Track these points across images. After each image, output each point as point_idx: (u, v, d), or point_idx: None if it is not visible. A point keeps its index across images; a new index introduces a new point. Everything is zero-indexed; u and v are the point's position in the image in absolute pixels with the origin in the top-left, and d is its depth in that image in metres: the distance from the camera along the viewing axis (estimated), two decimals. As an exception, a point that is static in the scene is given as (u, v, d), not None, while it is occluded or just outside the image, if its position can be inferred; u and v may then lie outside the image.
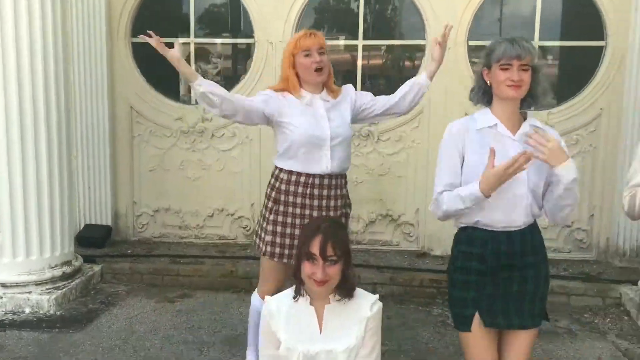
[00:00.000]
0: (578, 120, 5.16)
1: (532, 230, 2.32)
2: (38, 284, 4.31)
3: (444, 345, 3.86)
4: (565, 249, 5.29)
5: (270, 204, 3.01)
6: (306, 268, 2.03)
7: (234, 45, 5.97)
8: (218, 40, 5.69)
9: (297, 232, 2.87)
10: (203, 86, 2.89)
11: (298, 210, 2.96)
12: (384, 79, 5.81)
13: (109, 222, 5.58)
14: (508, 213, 2.25)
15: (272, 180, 3.06)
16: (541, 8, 5.13)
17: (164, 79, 5.59)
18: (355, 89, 3.30)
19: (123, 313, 4.31)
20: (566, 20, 5.41)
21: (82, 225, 5.54)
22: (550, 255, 5.34)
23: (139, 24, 5.48)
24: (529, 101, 2.31)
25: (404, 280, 4.79)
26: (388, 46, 5.69)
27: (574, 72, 5.47)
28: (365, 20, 5.37)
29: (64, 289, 4.38)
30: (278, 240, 2.99)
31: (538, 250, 2.34)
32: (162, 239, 5.66)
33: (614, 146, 5.12)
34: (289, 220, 2.97)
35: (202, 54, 5.97)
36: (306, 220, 2.90)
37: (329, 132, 2.95)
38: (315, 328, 2.10)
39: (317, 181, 2.96)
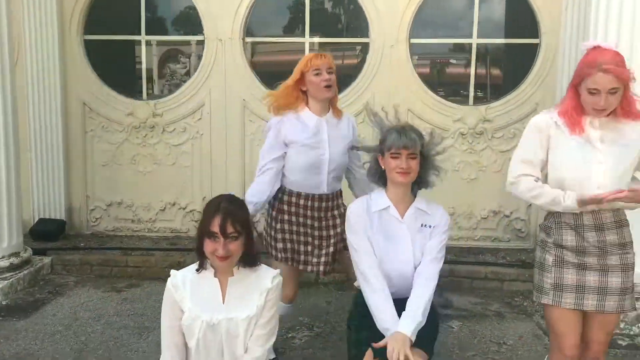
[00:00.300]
0: (515, 114, 5.39)
1: None
2: (-15, 274, 4.41)
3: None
4: (505, 238, 5.52)
5: (274, 214, 3.21)
6: (208, 245, 2.16)
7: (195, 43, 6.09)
8: (167, 38, 5.79)
9: (302, 238, 3.18)
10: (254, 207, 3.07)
11: (302, 220, 3.17)
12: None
13: (63, 217, 5.66)
14: None
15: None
16: (479, 7, 5.36)
17: (115, 75, 5.71)
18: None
19: (69, 302, 4.42)
20: (504, 19, 5.63)
21: (36, 220, 5.62)
22: (490, 244, 5.62)
23: (91, 22, 5.61)
24: (419, 184, 2.62)
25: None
26: (336, 44, 5.87)
27: (512, 68, 5.71)
28: (311, 18, 5.52)
29: (11, 279, 4.48)
30: (289, 246, 3.19)
31: None
32: (116, 232, 5.76)
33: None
34: (294, 228, 3.18)
35: (173, 54, 6.11)
36: (309, 230, 3.17)
37: (328, 157, 3.14)
38: (218, 299, 2.24)
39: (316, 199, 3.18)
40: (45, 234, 5.47)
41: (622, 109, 2.38)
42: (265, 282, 2.27)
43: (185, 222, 5.74)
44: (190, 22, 5.66)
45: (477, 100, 5.53)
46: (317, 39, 5.60)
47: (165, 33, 5.73)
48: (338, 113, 3.24)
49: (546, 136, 2.45)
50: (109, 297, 4.55)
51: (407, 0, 5.29)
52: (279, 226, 3.19)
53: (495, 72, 5.83)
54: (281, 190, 3.20)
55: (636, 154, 2.42)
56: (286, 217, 3.18)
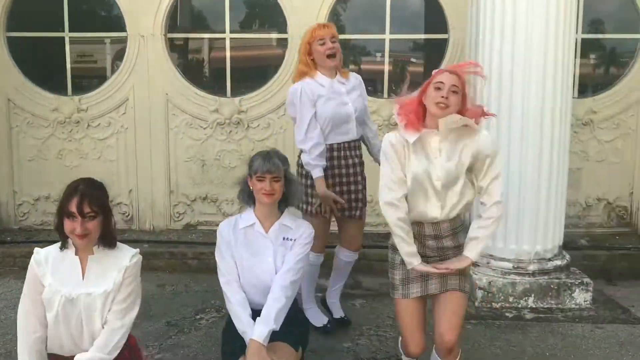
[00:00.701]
0: (426, 106, 5.68)
1: None
2: None
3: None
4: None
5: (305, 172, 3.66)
6: (67, 225, 2.34)
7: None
8: (90, 35, 5.90)
9: (337, 188, 3.67)
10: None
11: (336, 171, 3.66)
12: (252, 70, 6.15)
13: (-10, 212, 5.76)
14: None
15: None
16: (391, 4, 5.63)
17: (40, 71, 5.81)
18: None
19: (-13, 292, 4.55)
20: (415, 14, 5.92)
21: (-37, 215, 5.70)
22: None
23: (14, 19, 5.69)
24: (286, 203, 2.93)
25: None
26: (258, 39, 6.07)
27: (425, 63, 6.00)
28: (231, 14, 5.71)
29: None
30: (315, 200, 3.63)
31: None
32: (44, 226, 5.86)
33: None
34: (329, 181, 3.62)
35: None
36: (344, 179, 3.68)
37: (351, 105, 3.65)
38: (78, 275, 2.41)
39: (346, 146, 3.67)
40: (-28, 228, 5.55)
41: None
42: (124, 260, 2.45)
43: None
44: (112, 19, 5.79)
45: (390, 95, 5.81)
46: (237, 35, 5.79)
47: (88, 30, 5.84)
48: (345, 74, 3.73)
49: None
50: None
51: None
52: (310, 181, 3.63)
53: (410, 67, 6.11)
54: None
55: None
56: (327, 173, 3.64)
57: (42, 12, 5.84)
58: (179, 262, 5.23)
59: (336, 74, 3.66)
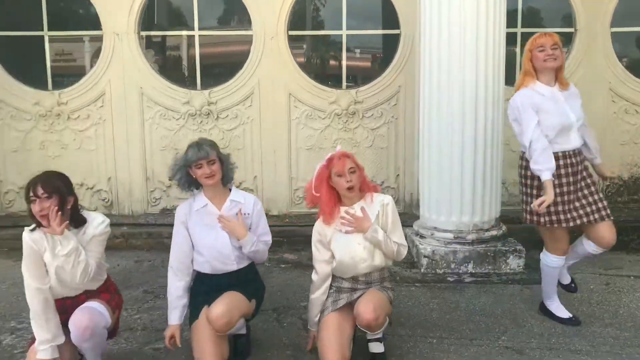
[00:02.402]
0: (382, 96, 6.20)
1: None
2: None
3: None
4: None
5: (535, 182, 3.65)
6: (33, 208, 2.88)
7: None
8: (68, 33, 6.32)
9: (565, 198, 3.61)
10: None
11: (564, 180, 3.61)
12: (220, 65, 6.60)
13: (-23, 200, 6.16)
14: None
15: (520, 162, 3.76)
16: (347, 1, 6.13)
17: (21, 67, 6.22)
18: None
19: (-21, 270, 4.98)
20: (369, 11, 6.41)
21: (-49, 204, 6.09)
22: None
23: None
24: (224, 181, 3.35)
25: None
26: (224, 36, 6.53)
27: (381, 56, 6.50)
28: (200, 13, 6.16)
29: None
30: (552, 209, 3.61)
31: None
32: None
33: (412, 116, 6.18)
34: (556, 190, 3.59)
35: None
36: (571, 188, 3.61)
37: (572, 114, 3.61)
38: (59, 249, 2.92)
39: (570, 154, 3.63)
40: (-40, 215, 5.95)
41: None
42: (91, 229, 3.02)
43: (93, 201, 6.31)
44: (87, 17, 6.22)
45: (349, 85, 6.31)
46: (205, 32, 6.25)
47: (66, 28, 6.26)
48: (565, 84, 3.69)
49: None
50: (17, 265, 5.07)
51: (283, -2, 6.02)
52: (533, 190, 3.66)
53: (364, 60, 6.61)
54: (523, 155, 3.70)
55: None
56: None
57: (22, 11, 6.24)
58: (155, 241, 5.70)
59: (555, 82, 3.66)
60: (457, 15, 4.72)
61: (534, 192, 3.67)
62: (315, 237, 3.36)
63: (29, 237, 2.96)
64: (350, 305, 3.32)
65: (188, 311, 3.37)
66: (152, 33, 6.28)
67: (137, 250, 5.58)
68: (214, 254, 3.31)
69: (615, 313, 4.04)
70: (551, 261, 3.84)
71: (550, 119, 3.54)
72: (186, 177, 3.32)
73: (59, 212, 2.86)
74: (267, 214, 6.29)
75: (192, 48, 6.27)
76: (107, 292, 3.19)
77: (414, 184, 6.18)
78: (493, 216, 5.06)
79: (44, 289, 2.95)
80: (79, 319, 2.90)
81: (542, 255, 3.92)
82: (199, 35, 6.20)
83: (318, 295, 3.35)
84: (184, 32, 6.30)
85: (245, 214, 3.37)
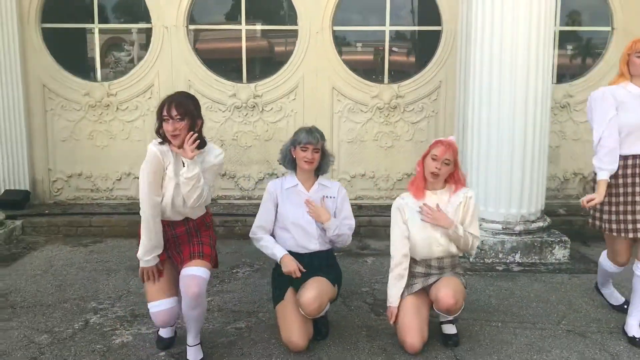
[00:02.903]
0: (423, 90, 6.37)
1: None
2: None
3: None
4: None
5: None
6: (165, 127, 2.94)
7: (145, 31, 6.74)
8: (116, 26, 6.48)
9: (629, 208, 3.46)
10: None
11: (630, 190, 3.47)
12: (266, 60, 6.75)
13: (27, 187, 6.30)
14: None
15: None
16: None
17: (72, 59, 6.37)
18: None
19: (43, 255, 5.13)
20: (412, 8, 6.57)
21: (2, 191, 6.23)
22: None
23: (48, 10, 6.23)
24: (320, 170, 3.58)
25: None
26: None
27: (422, 51, 6.66)
28: (246, 7, 6.31)
29: (-13, 238, 5.15)
30: (614, 217, 3.52)
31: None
32: (77, 201, 6.44)
33: (451, 111, 6.34)
34: (620, 199, 3.49)
35: (116, 42, 6.72)
36: (637, 198, 3.44)
37: None
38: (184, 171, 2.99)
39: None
40: (12, 203, 6.09)
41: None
42: (210, 158, 3.13)
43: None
44: (136, 11, 6.37)
45: (391, 79, 6.46)
46: (251, 27, 6.39)
47: (114, 21, 6.40)
48: None
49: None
50: (78, 250, 5.28)
51: (329, -6, 6.17)
52: (608, 199, 3.50)
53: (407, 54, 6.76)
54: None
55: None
56: (614, 190, 3.50)
57: (73, 4, 6.39)
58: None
59: None
60: (510, 13, 4.86)
61: (605, 198, 3.52)
62: (395, 205, 3.50)
63: (156, 148, 3.01)
64: (423, 290, 3.48)
65: (272, 292, 3.53)
66: (200, 27, 6.42)
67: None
68: (299, 231, 3.50)
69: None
70: (609, 266, 3.85)
71: (629, 117, 3.44)
72: (288, 155, 3.56)
73: (195, 137, 2.95)
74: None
75: (239, 41, 6.40)
76: (206, 227, 3.29)
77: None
78: (539, 208, 5.23)
79: (157, 200, 3.03)
80: (187, 285, 3.02)
81: (603, 254, 3.92)
82: (246, 29, 6.34)
83: (399, 272, 3.45)
84: (231, 26, 6.44)
85: (330, 197, 3.56)
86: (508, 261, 5.04)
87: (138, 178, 6.26)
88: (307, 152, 3.45)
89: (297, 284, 3.42)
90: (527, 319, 3.90)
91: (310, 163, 3.47)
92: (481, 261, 5.03)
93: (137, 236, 3.18)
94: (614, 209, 3.53)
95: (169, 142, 3.01)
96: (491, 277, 4.74)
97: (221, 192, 6.48)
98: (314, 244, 3.51)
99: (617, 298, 4.08)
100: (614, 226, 3.55)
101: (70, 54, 6.42)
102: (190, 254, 3.17)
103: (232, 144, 6.41)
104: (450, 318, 3.47)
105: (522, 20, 4.84)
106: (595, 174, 3.54)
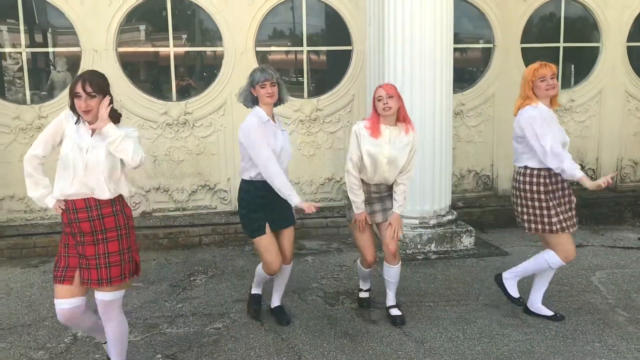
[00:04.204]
0: (339, 103, 7.09)
1: None
2: None
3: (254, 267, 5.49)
4: (337, 198, 7.22)
5: (535, 195, 4.00)
6: (77, 103, 3.02)
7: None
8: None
9: (560, 209, 4.00)
10: None
11: (558, 194, 4.02)
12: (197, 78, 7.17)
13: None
14: None
15: (522, 177, 4.05)
16: (307, 20, 6.94)
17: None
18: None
19: (-5, 279, 5.27)
20: (326, 30, 7.28)
21: None
22: (328, 203, 7.20)
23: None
24: (278, 102, 3.97)
25: (222, 230, 6.35)
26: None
27: (335, 69, 7.36)
28: (173, 28, 6.71)
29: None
30: (561, 217, 3.99)
31: None
32: (9, 223, 6.49)
33: (364, 121, 7.11)
34: (554, 201, 3.99)
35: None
36: (565, 198, 4.04)
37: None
38: (88, 136, 3.08)
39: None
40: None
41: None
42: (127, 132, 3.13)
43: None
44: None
45: (310, 94, 7.13)
46: (179, 49, 6.79)
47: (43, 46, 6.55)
48: (554, 107, 4.09)
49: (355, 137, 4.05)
50: (30, 272, 5.46)
51: (251, 16, 6.71)
52: (544, 204, 3.98)
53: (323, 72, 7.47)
54: (526, 172, 4.03)
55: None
56: (547, 188, 4.00)
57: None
58: (151, 242, 6.20)
59: (550, 105, 4.06)
60: (419, 32, 5.71)
61: (536, 203, 4.02)
62: (355, 129, 4.03)
63: (65, 115, 3.12)
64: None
65: (246, 226, 4.00)
66: (129, 50, 6.69)
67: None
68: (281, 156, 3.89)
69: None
70: (555, 263, 4.13)
71: (557, 136, 3.92)
72: (248, 95, 3.90)
73: (110, 100, 3.07)
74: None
75: (168, 61, 6.77)
76: (116, 223, 3.18)
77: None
78: (447, 203, 6.15)
79: (41, 160, 3.16)
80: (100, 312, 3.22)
81: (549, 254, 4.14)
82: (174, 51, 6.73)
83: (355, 181, 4.05)
84: (159, 49, 6.80)
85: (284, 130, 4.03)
86: (426, 250, 5.90)
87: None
88: (267, 88, 3.79)
89: (272, 220, 3.95)
90: (452, 298, 4.74)
91: (272, 96, 3.82)
92: (403, 252, 5.85)
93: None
94: (553, 212, 4.01)
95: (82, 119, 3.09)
96: (415, 265, 5.57)
97: (156, 205, 6.81)
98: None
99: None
100: (558, 226, 4.01)
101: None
102: (98, 278, 3.13)
103: (164, 159, 6.76)
104: (392, 303, 4.28)
105: (428, 41, 5.71)
106: (563, 171, 3.87)
